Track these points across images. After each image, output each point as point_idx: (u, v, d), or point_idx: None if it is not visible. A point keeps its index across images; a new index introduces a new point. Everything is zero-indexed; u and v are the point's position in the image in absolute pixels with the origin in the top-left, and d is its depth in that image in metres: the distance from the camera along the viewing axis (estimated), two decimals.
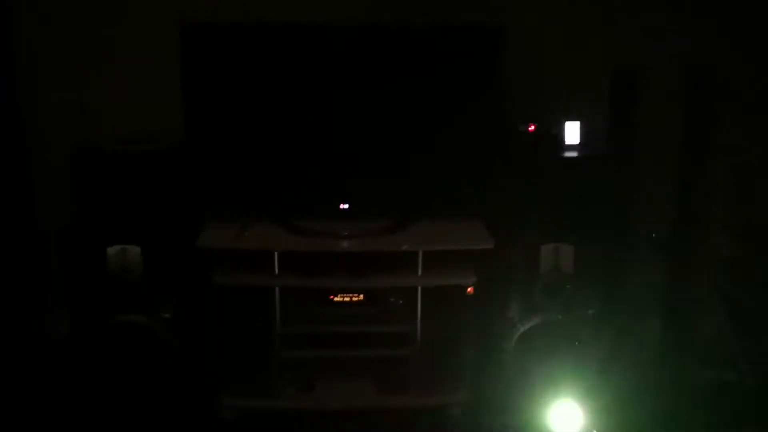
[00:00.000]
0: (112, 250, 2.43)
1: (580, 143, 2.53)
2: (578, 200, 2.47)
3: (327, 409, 2.55)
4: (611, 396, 2.37)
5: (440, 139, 2.50)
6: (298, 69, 2.43)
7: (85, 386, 2.51)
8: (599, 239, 2.51)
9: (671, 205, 2.71)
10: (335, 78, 2.45)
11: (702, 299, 2.74)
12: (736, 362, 2.66)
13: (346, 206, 2.50)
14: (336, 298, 2.49)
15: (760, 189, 2.75)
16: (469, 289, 2.47)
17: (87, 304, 2.50)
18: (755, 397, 2.57)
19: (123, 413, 2.46)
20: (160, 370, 2.49)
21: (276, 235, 2.48)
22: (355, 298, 2.49)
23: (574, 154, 2.51)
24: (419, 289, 2.45)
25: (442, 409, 2.55)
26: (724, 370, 2.68)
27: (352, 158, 2.49)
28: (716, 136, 2.64)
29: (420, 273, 2.44)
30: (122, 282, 2.44)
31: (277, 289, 2.44)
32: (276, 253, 2.42)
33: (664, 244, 2.72)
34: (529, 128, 2.53)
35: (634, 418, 2.31)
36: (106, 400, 2.49)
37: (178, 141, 2.49)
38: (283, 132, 2.49)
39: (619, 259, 2.65)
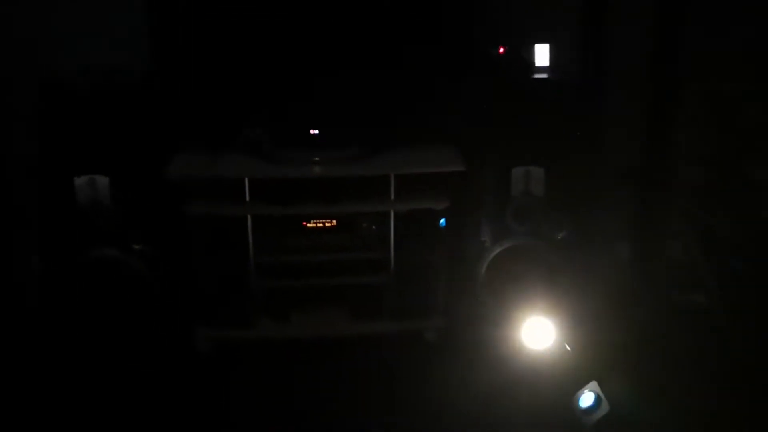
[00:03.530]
0: (79, 181, 2.38)
1: (549, 66, 2.53)
2: (549, 123, 2.48)
3: (303, 338, 2.56)
4: (581, 313, 2.40)
5: (410, 63, 2.48)
6: None
7: (58, 322, 2.49)
8: (570, 163, 2.53)
9: (641, 129, 2.72)
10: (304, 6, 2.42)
11: (671, 223, 2.79)
12: (704, 285, 2.72)
13: (317, 132, 2.49)
14: (309, 225, 2.49)
15: (730, 115, 2.77)
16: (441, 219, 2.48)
17: (57, 239, 2.47)
18: (722, 318, 2.63)
19: (98, 348, 2.45)
20: (133, 303, 2.47)
21: (246, 162, 2.46)
22: (328, 224, 2.50)
23: (544, 76, 2.51)
24: (392, 213, 2.46)
25: (416, 334, 2.58)
26: (692, 293, 2.74)
27: (322, 83, 2.46)
28: (686, 60, 2.65)
29: (392, 197, 2.45)
30: (91, 214, 2.41)
31: (249, 218, 2.43)
32: (247, 181, 2.40)
33: (635, 168, 2.74)
34: (499, 50, 2.52)
35: (603, 336, 2.35)
36: (80, 335, 2.47)
37: (146, 69, 2.46)
38: (252, 58, 2.46)
39: (590, 182, 2.67)
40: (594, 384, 2.07)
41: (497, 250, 2.49)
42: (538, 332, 2.24)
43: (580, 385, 2.07)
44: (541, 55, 2.53)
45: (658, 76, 2.69)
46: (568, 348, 2.20)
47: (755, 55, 2.66)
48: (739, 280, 2.67)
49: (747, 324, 2.55)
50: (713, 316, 2.66)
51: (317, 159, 2.45)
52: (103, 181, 2.39)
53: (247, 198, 2.42)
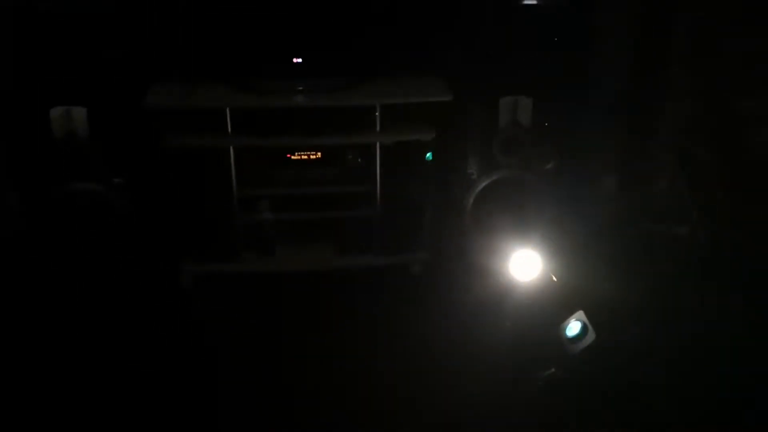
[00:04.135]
0: (55, 112, 2.30)
1: None
2: (536, 52, 2.44)
3: (288, 272, 2.55)
4: (567, 245, 2.40)
5: None
6: None
7: (38, 258, 2.43)
8: (558, 93, 2.49)
9: (630, 59, 2.68)
10: None
11: (657, 155, 2.78)
12: (688, 216, 2.72)
13: (300, 60, 2.41)
14: (293, 157, 2.45)
15: (719, 45, 2.73)
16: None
17: (34, 172, 2.40)
18: (704, 248, 2.65)
19: (79, 283, 2.41)
20: (115, 237, 2.42)
21: (228, 92, 2.39)
22: (312, 156, 2.45)
23: (533, 2, 2.45)
24: (378, 145, 2.42)
25: (403, 268, 2.58)
26: (676, 224, 2.74)
27: (305, 9, 2.38)
28: None
29: (378, 129, 2.40)
30: (68, 146, 2.33)
31: (231, 150, 2.38)
32: (228, 111, 2.34)
33: (622, 98, 2.71)
34: None
35: (589, 264, 2.36)
36: (61, 271, 2.42)
37: None
38: None
39: (578, 113, 2.63)
40: (580, 313, 2.07)
41: (484, 182, 2.47)
42: (525, 264, 2.23)
43: (566, 315, 2.07)
44: None
45: (648, 5, 2.64)
46: (555, 279, 2.20)
47: None
48: (721, 212, 2.68)
49: (728, 254, 2.57)
50: (696, 246, 2.67)
51: (300, 88, 2.39)
52: (80, 112, 2.32)
53: (229, 129, 2.36)
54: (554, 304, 2.10)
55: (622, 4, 2.65)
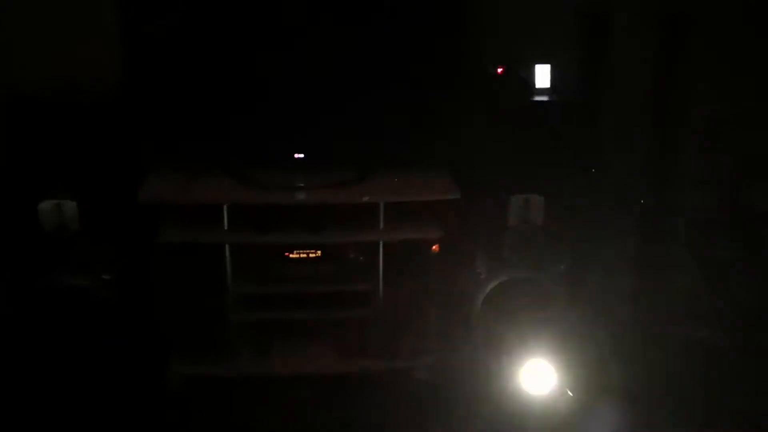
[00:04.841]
0: (45, 205, 2.24)
1: (550, 87, 2.45)
2: (549, 149, 2.40)
3: (284, 375, 2.43)
4: (583, 354, 2.26)
5: (401, 83, 2.37)
6: (248, 4, 2.28)
7: (20, 356, 2.32)
8: (571, 190, 2.45)
9: (644, 155, 2.64)
10: (287, 13, 2.30)
11: (675, 255, 2.69)
12: (708, 319, 2.61)
13: (302, 156, 2.37)
14: (292, 255, 2.38)
15: (735, 140, 2.67)
16: (434, 247, 2.34)
17: (20, 266, 2.33)
18: (726, 354, 2.51)
19: (62, 383, 2.30)
20: (102, 336, 2.32)
21: (225, 187, 2.34)
22: (312, 255, 2.38)
23: (544, 98, 2.42)
24: (381, 244, 2.34)
25: (406, 373, 2.45)
26: (696, 327, 2.61)
27: (308, 104, 2.34)
28: (689, 86, 2.58)
29: (381, 227, 2.33)
30: (58, 240, 2.27)
31: (227, 246, 2.31)
32: (225, 207, 2.29)
33: (638, 196, 2.65)
34: (498, 71, 2.42)
35: (607, 378, 2.21)
36: (43, 368, 2.31)
37: (119, 84, 2.36)
38: (233, 74, 2.34)
39: (591, 212, 2.57)
40: None
41: (493, 283, 2.36)
42: (537, 376, 2.09)
43: None
44: (542, 76, 2.42)
45: (661, 100, 2.60)
46: (570, 394, 2.05)
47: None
48: (745, 313, 2.55)
49: (754, 359, 2.44)
50: (718, 352, 2.53)
51: (302, 184, 2.34)
52: (70, 205, 2.26)
53: (225, 225, 2.30)
54: (570, 426, 1.94)
55: (635, 98, 2.62)
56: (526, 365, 2.13)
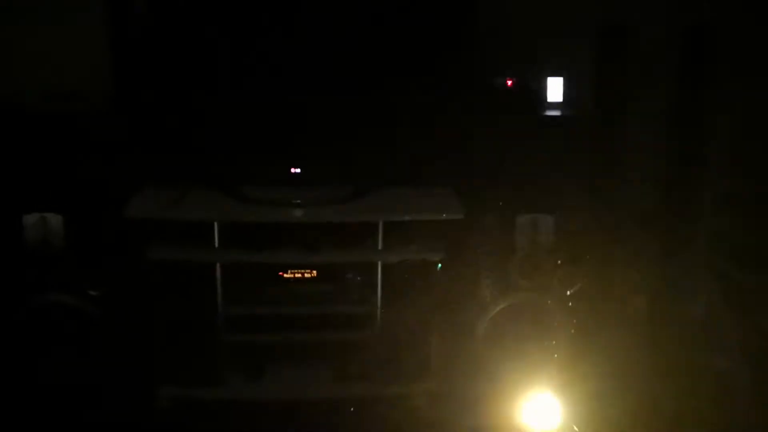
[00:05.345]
0: (30, 219, 2.18)
1: (563, 101, 2.37)
2: (560, 165, 2.33)
3: (277, 399, 2.34)
4: (592, 387, 2.15)
5: (404, 94, 2.29)
6: (243, 11, 2.20)
7: (5, 373, 2.26)
8: (582, 210, 2.38)
9: (662, 172, 2.55)
10: (286, 17, 2.22)
11: (694, 279, 2.54)
12: (728, 349, 2.46)
13: (298, 171, 2.28)
14: (286, 275, 2.29)
15: (762, 159, 2.54)
16: (436, 268, 2.24)
17: (3, 281, 2.25)
18: (747, 388, 2.37)
19: (47, 403, 2.23)
20: (87, 355, 2.26)
21: (217, 203, 2.27)
22: (307, 275, 2.30)
23: (556, 113, 2.34)
24: (379, 264, 2.25)
25: (405, 400, 2.35)
26: (715, 357, 2.45)
27: (305, 116, 2.27)
28: (710, 100, 2.47)
29: (380, 247, 2.25)
30: (42, 255, 2.20)
31: (218, 265, 2.24)
32: (216, 224, 2.21)
33: (654, 215, 2.54)
34: (506, 83, 2.35)
35: (617, 413, 2.08)
36: (27, 388, 2.24)
37: (107, 97, 2.30)
38: (226, 84, 2.26)
39: (604, 232, 2.46)
40: None
41: (498, 307, 2.27)
42: (542, 410, 1.97)
43: None
44: (554, 89, 2.32)
45: (683, 116, 2.49)
46: (577, 430, 1.93)
47: None
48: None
49: None
50: (740, 383, 2.39)
51: (298, 201, 2.25)
52: (56, 219, 2.19)
53: (216, 243, 2.22)
54: None
55: (654, 114, 2.52)
56: (530, 398, 2.03)
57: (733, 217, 2.59)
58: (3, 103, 2.29)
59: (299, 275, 2.28)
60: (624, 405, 2.17)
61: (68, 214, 2.19)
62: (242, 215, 2.22)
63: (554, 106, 2.34)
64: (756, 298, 2.54)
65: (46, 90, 2.33)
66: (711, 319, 2.55)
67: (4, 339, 2.24)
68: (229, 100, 2.27)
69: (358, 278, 2.29)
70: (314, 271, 2.28)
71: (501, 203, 2.30)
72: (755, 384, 2.37)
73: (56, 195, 2.23)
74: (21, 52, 2.46)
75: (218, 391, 2.31)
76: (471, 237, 2.32)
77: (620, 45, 2.47)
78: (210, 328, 2.26)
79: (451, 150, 2.33)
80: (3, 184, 2.26)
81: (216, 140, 2.29)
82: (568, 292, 2.34)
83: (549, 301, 2.27)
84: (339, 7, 2.22)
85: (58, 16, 2.44)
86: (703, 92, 2.48)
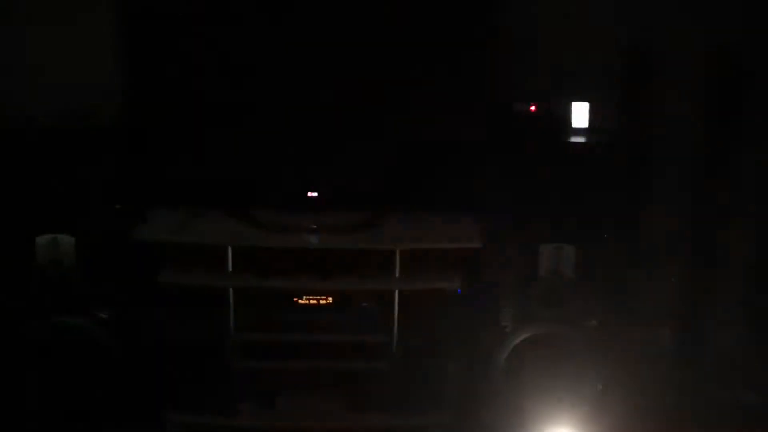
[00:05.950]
0: (41, 240, 2.17)
1: (588, 127, 2.32)
2: (584, 194, 2.26)
3: (289, 429, 2.31)
4: (617, 423, 2.10)
5: (423, 120, 2.27)
6: (258, 28, 2.20)
7: (11, 396, 2.23)
8: (606, 240, 2.32)
9: (689, 201, 2.49)
10: (300, 39, 2.21)
11: (723, 310, 2.51)
12: (758, 383, 2.45)
13: (315, 195, 2.27)
14: (301, 302, 2.26)
15: None
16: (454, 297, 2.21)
17: (12, 303, 2.23)
18: None
19: (54, 427, 2.21)
20: (96, 379, 2.23)
21: (230, 227, 2.25)
22: (323, 302, 2.26)
23: (581, 139, 2.29)
24: (396, 293, 2.22)
25: (422, 430, 2.30)
26: (744, 391, 2.45)
27: (322, 140, 2.26)
28: (740, 127, 2.43)
29: (397, 275, 2.21)
30: (53, 277, 2.19)
31: (231, 290, 2.21)
32: (230, 249, 2.18)
33: (679, 246, 2.49)
34: (529, 108, 2.31)
35: None
36: (33, 411, 2.22)
37: (119, 116, 2.28)
38: (241, 105, 2.25)
39: (628, 263, 2.42)
40: None
41: (519, 338, 2.22)
42: None
43: None
44: (580, 115, 2.29)
45: (708, 142, 2.46)
46: None
47: None
48: None
49: None
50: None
51: (314, 227, 2.23)
52: (67, 240, 2.19)
53: (229, 268, 2.20)
54: None
55: (680, 142, 2.47)
56: None
57: (763, 246, 2.52)
58: (16, 122, 2.29)
59: (314, 302, 2.25)
60: None
61: (80, 236, 2.18)
62: (257, 240, 2.19)
63: (579, 132, 2.30)
64: None
65: (59, 110, 2.32)
66: (739, 353, 2.52)
67: (13, 360, 2.21)
68: (245, 122, 2.26)
69: (375, 306, 2.25)
70: (329, 298, 2.25)
71: (523, 232, 2.25)
72: None
73: (68, 216, 2.21)
74: (34, 71, 2.46)
75: (229, 419, 2.27)
76: (491, 266, 2.29)
77: (646, 70, 2.43)
78: (222, 354, 2.23)
79: (473, 176, 2.31)
80: (16, 204, 2.25)
81: (231, 162, 2.27)
82: (592, 323, 2.30)
83: (571, 332, 2.22)
84: (360, 32, 2.21)
85: (68, 36, 2.44)
86: (732, 120, 2.43)
